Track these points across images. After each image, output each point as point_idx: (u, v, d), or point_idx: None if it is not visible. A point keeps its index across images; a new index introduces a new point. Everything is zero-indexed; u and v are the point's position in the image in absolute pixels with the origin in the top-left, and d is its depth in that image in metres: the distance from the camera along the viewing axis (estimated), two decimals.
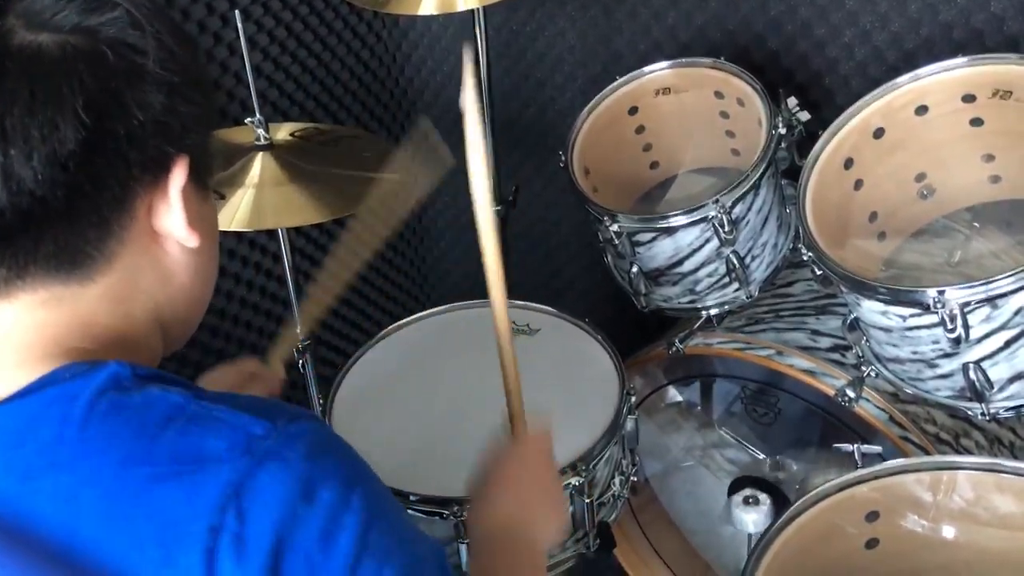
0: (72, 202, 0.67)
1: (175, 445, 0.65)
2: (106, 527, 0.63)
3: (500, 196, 1.86)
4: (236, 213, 1.41)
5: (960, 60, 1.31)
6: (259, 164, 1.47)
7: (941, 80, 1.33)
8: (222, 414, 0.67)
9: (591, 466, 1.29)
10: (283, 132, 1.58)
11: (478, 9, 1.66)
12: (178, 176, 0.72)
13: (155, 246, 0.73)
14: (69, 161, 0.65)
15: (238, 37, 1.44)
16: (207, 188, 0.78)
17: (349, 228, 1.39)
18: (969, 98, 1.32)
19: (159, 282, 0.75)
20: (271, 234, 1.94)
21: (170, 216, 0.72)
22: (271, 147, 1.50)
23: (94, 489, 0.64)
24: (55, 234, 0.68)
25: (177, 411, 0.66)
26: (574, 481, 1.28)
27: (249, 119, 1.48)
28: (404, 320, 1.62)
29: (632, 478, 1.44)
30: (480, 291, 1.77)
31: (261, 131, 1.49)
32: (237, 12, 1.41)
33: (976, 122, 1.34)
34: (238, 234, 1.94)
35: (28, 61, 0.66)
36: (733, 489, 1.57)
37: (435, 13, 1.50)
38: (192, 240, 0.74)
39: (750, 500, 1.41)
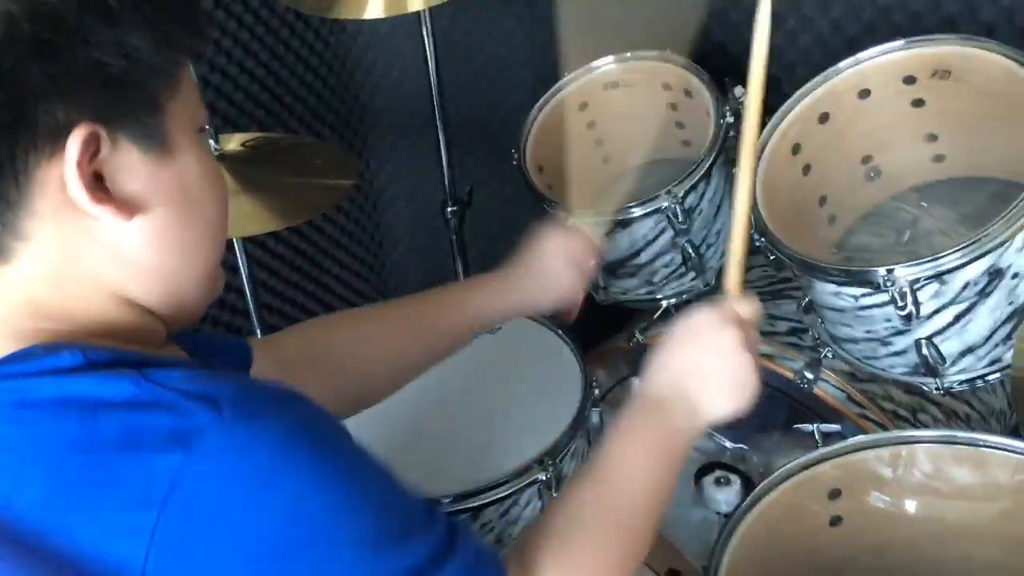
0: None
1: (110, 432, 0.61)
2: (48, 509, 0.61)
3: (455, 196, 1.87)
4: None
5: (899, 43, 1.33)
6: None
7: (881, 63, 1.35)
8: (164, 396, 0.62)
9: (558, 460, 1.30)
10: (234, 143, 1.57)
11: (425, 11, 1.66)
12: (72, 147, 0.63)
13: (87, 219, 0.66)
14: None
15: None
16: (164, 146, 0.68)
17: None
18: (910, 80, 1.35)
19: (105, 258, 0.68)
20: (227, 246, 1.92)
21: (71, 187, 0.64)
22: (223, 158, 1.49)
23: (37, 470, 0.61)
24: None
25: (127, 395, 0.62)
26: (541, 476, 1.29)
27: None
28: None
29: None
30: None
31: (211, 143, 1.48)
32: None
33: (918, 103, 1.37)
34: None
35: None
36: (700, 475, 1.58)
37: (381, 16, 1.50)
38: (113, 215, 0.66)
39: (721, 480, 1.44)
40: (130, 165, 0.67)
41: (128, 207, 0.67)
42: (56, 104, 0.62)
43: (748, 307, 0.94)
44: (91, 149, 0.64)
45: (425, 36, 1.69)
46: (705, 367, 0.89)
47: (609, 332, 1.72)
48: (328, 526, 0.63)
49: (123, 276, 0.70)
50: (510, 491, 1.27)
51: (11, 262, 0.67)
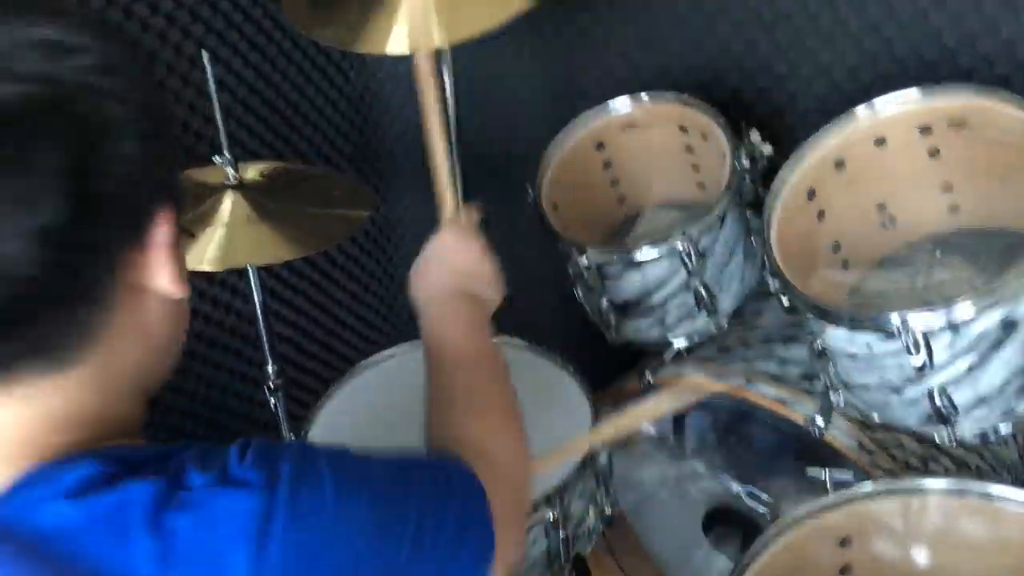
0: (60, 280, 0.60)
1: (173, 547, 0.61)
2: None
3: None
4: (206, 253, 1.42)
5: (915, 92, 1.34)
6: (229, 203, 1.48)
7: (897, 112, 1.36)
8: (206, 497, 0.62)
9: (565, 499, 1.29)
10: (252, 171, 1.58)
11: (445, 48, 1.68)
12: (164, 230, 0.66)
13: (138, 307, 0.67)
14: (53, 233, 0.58)
15: (206, 78, 1.45)
16: (181, 231, 0.72)
17: None
18: (925, 130, 1.35)
19: (141, 343, 0.68)
20: (240, 273, 1.93)
21: (159, 273, 0.66)
22: (241, 186, 1.50)
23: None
24: (42, 320, 0.61)
25: (158, 503, 0.61)
26: (548, 515, 1.28)
27: (218, 159, 1.49)
28: (376, 356, 1.62)
29: (607, 510, 1.45)
30: None
31: (230, 170, 1.49)
32: (205, 53, 1.42)
33: (933, 152, 1.38)
34: (207, 274, 1.94)
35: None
36: (708, 520, 1.57)
37: (403, 53, 1.52)
38: (180, 292, 0.68)
39: (730, 524, 1.43)
40: (176, 247, 0.69)
41: (182, 286, 0.69)
42: (149, 189, 0.65)
43: (469, 218, 1.19)
44: (171, 232, 0.67)
45: (444, 72, 1.71)
46: (471, 271, 1.11)
47: (620, 372, 1.72)
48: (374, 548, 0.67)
49: (147, 360, 0.70)
50: None
51: (71, 371, 0.65)
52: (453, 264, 1.11)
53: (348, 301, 2.38)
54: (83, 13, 0.65)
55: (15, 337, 0.61)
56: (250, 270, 1.60)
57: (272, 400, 1.66)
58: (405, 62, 2.24)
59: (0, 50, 0.59)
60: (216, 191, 1.50)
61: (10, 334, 0.61)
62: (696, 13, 1.81)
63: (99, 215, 0.61)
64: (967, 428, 1.23)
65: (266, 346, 1.69)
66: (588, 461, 1.35)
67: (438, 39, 1.50)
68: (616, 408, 1.70)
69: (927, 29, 1.60)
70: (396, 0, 1.50)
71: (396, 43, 1.50)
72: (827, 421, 1.39)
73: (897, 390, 1.24)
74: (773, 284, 1.30)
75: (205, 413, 2.01)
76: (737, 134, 1.51)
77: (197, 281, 1.93)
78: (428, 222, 2.46)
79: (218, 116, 1.47)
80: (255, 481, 0.62)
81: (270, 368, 1.70)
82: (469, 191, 1.85)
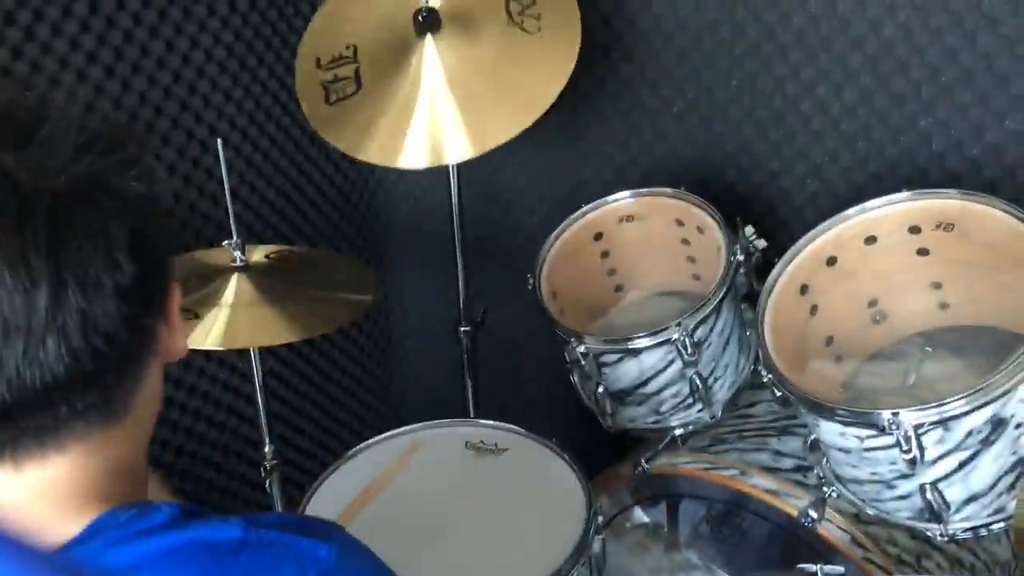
0: (130, 337, 0.69)
1: (252, 573, 0.68)
2: None
3: (469, 316, 1.90)
4: (210, 332, 1.44)
5: (905, 194, 1.39)
6: (234, 284, 1.51)
7: (888, 212, 1.40)
8: (284, 539, 0.71)
9: None
10: (258, 254, 1.62)
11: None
12: (176, 299, 0.76)
13: (157, 367, 0.75)
14: (129, 292, 0.67)
15: (217, 162, 1.49)
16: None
17: None
18: (915, 229, 1.40)
19: (153, 401, 0.76)
20: (241, 353, 1.95)
21: (174, 338, 0.75)
22: (247, 268, 1.53)
23: None
24: (115, 374, 0.69)
25: (242, 540, 0.69)
26: None
27: (227, 241, 1.52)
28: (372, 440, 1.62)
29: None
30: (448, 410, 1.79)
31: (238, 253, 1.52)
32: (219, 140, 1.47)
33: (923, 252, 1.42)
34: (207, 353, 1.96)
35: (74, 207, 0.66)
36: None
37: (411, 168, 1.56)
38: (184, 353, 0.77)
39: None
40: None
41: (185, 349, 0.79)
42: (169, 265, 0.74)
43: None
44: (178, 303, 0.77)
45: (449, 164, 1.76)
46: None
47: (614, 459, 1.73)
48: None
49: (153, 418, 0.78)
50: None
51: (119, 426, 0.72)
52: None
53: (345, 382, 2.39)
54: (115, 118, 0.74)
55: (90, 388, 0.68)
56: (252, 351, 1.62)
57: (267, 481, 1.66)
58: None
59: (64, 148, 0.68)
60: (222, 272, 1.53)
61: (87, 386, 0.68)
62: (693, 111, 1.88)
63: (152, 279, 0.71)
64: (959, 524, 1.24)
65: (264, 426, 1.70)
66: (582, 547, 1.35)
67: (469, 152, 1.55)
68: (609, 496, 1.70)
69: (916, 133, 1.66)
70: (406, 119, 1.55)
71: (406, 159, 1.55)
72: (820, 514, 1.40)
73: (890, 485, 1.25)
74: (767, 376, 1.32)
75: (200, 492, 2.01)
76: (732, 228, 1.55)
77: (197, 359, 1.94)
78: (427, 306, 2.50)
79: (228, 201, 1.50)
80: (332, 539, 0.72)
81: (267, 448, 1.71)
82: (471, 278, 1.89)
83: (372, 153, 1.58)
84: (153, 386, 0.75)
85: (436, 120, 1.54)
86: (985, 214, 1.31)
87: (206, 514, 0.71)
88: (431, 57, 1.57)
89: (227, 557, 0.68)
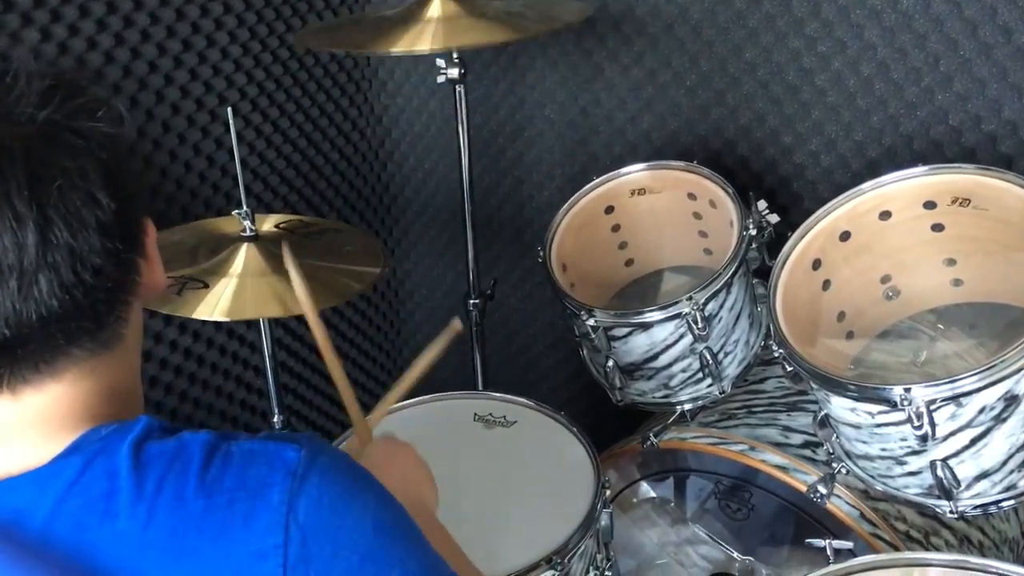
0: (115, 268, 0.73)
1: (222, 477, 0.72)
2: (172, 562, 0.68)
3: (479, 289, 1.90)
4: (219, 302, 1.43)
5: (921, 169, 1.37)
6: (243, 255, 1.50)
7: (903, 187, 1.39)
8: (253, 446, 0.75)
9: (566, 559, 1.29)
10: (268, 224, 1.61)
11: (460, 108, 1.72)
12: (151, 233, 0.79)
13: (139, 303, 0.79)
14: (109, 226, 0.71)
15: (227, 132, 1.49)
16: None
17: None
18: (930, 205, 1.38)
19: (138, 331, 0.80)
20: (250, 324, 1.95)
21: (152, 270, 0.79)
22: (256, 238, 1.53)
23: (154, 530, 0.69)
24: (105, 304, 0.74)
25: (213, 448, 0.73)
26: (549, 575, 1.28)
27: (236, 211, 1.52)
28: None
29: (607, 573, 1.44)
30: (457, 383, 1.80)
31: (247, 223, 1.52)
32: (230, 110, 1.46)
33: (937, 228, 1.40)
34: (217, 324, 1.96)
35: (47, 148, 0.70)
36: None
37: (401, 52, 1.57)
38: (165, 284, 0.82)
39: None
40: None
41: (165, 280, 0.83)
42: (141, 200, 0.77)
43: (386, 436, 1.16)
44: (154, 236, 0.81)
45: (460, 132, 1.75)
46: (407, 478, 1.05)
47: (623, 433, 1.73)
48: (400, 518, 0.78)
49: (139, 348, 0.82)
50: None
51: (111, 352, 0.76)
52: (390, 479, 1.09)
53: (353, 354, 2.39)
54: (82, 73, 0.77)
55: (83, 318, 0.72)
56: (261, 322, 1.62)
57: None
58: (419, 121, 2.31)
59: (17, 96, 0.71)
60: (232, 242, 1.52)
61: (80, 316, 0.71)
62: (707, 85, 1.86)
63: (128, 214, 0.74)
64: (969, 502, 1.23)
65: (273, 397, 1.70)
66: (589, 520, 1.35)
67: (442, 43, 1.55)
68: (618, 470, 1.71)
69: (933, 108, 1.64)
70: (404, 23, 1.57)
71: (400, 46, 1.56)
72: (829, 490, 1.39)
73: (900, 461, 1.25)
74: (777, 351, 1.32)
75: None
76: (745, 203, 1.54)
77: (206, 330, 1.95)
78: (437, 278, 2.50)
79: (238, 170, 1.50)
80: (301, 441, 0.75)
81: (276, 419, 1.71)
82: (481, 251, 1.88)
83: (367, 44, 1.61)
84: (138, 315, 0.80)
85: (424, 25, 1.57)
86: (1002, 189, 1.29)
87: (179, 428, 0.75)
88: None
89: (197, 465, 0.71)
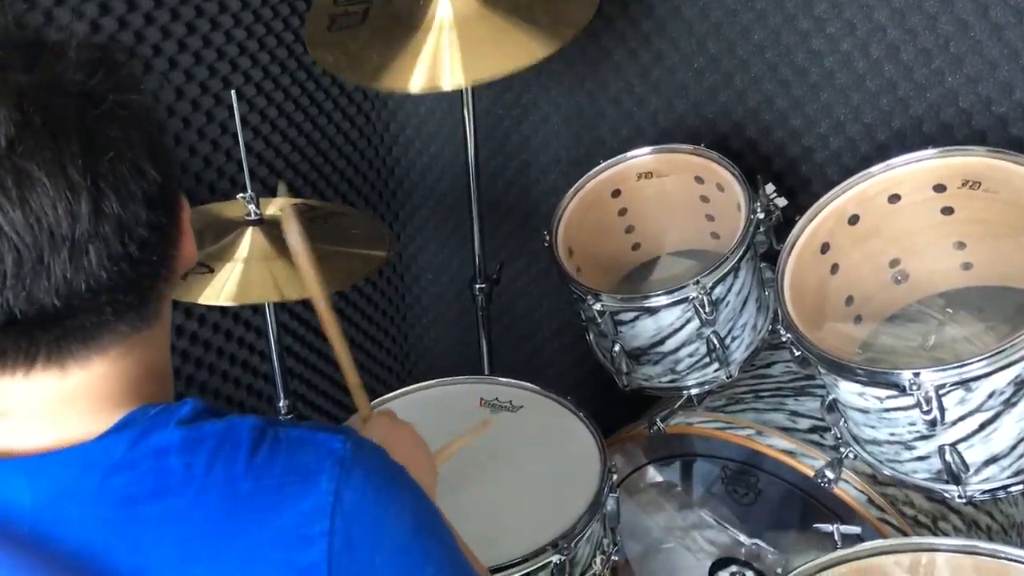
0: (159, 243, 0.73)
1: (271, 462, 0.72)
2: (220, 541, 0.70)
3: (484, 274, 1.89)
4: (225, 287, 1.43)
5: (930, 151, 1.36)
6: (248, 239, 1.49)
7: (912, 170, 1.37)
8: (301, 434, 0.75)
9: (572, 544, 1.29)
10: (273, 208, 1.60)
11: (466, 92, 1.71)
12: (186, 207, 0.79)
13: (175, 279, 0.78)
14: (155, 202, 0.71)
15: (231, 115, 1.48)
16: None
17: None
18: (940, 188, 1.37)
19: (170, 313, 0.80)
20: (256, 309, 1.95)
21: (189, 247, 0.79)
22: (261, 222, 1.52)
23: (203, 509, 0.70)
24: (149, 279, 0.73)
25: (261, 433, 0.73)
26: (555, 559, 1.28)
27: (241, 195, 1.51)
28: (387, 396, 1.62)
29: (613, 558, 1.44)
30: (463, 367, 1.79)
31: (252, 207, 1.51)
32: (234, 93, 1.45)
33: (947, 211, 1.39)
34: (222, 309, 1.95)
35: (98, 119, 0.69)
36: (715, 570, 1.56)
37: (421, 91, 1.55)
38: (194, 262, 0.81)
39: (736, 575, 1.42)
40: None
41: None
42: (178, 176, 0.77)
43: (386, 412, 1.18)
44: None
45: (466, 116, 1.74)
46: (407, 460, 1.02)
47: (630, 418, 1.72)
48: (434, 515, 0.80)
49: (170, 325, 0.81)
50: (523, 572, 1.26)
51: (150, 330, 0.76)
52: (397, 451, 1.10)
53: (360, 339, 2.39)
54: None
55: (130, 291, 0.72)
56: (267, 306, 1.61)
57: None
58: (425, 104, 2.30)
59: (74, 67, 0.71)
60: (236, 226, 1.52)
61: (127, 290, 0.71)
62: (714, 66, 1.84)
63: (171, 186, 0.74)
64: (977, 486, 1.23)
65: (278, 381, 1.70)
66: (596, 505, 1.35)
67: (462, 81, 1.53)
68: (624, 455, 1.70)
69: (943, 90, 1.62)
70: (417, 44, 1.55)
71: (417, 82, 1.54)
72: (837, 475, 1.39)
73: (908, 446, 1.24)
74: (785, 335, 1.31)
75: None
76: (752, 186, 1.52)
77: (212, 315, 1.94)
78: (443, 263, 2.50)
79: (243, 153, 1.49)
80: (346, 433, 0.76)
81: (281, 404, 1.71)
82: (487, 236, 1.88)
83: (361, 75, 1.60)
84: (170, 295, 0.79)
85: (438, 50, 1.55)
86: (1012, 172, 1.28)
87: (227, 411, 0.76)
88: (444, 7, 1.57)
89: (247, 448, 0.72)
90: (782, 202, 1.54)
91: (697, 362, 1.54)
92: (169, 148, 0.76)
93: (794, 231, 1.40)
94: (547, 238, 1.63)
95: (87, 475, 0.70)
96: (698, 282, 1.44)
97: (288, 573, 0.70)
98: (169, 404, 0.74)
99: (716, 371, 1.56)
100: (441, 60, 1.54)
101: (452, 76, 1.53)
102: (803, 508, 1.54)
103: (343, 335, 1.13)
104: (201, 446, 0.71)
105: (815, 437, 1.49)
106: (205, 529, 0.70)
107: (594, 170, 1.69)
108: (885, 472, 1.31)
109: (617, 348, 1.56)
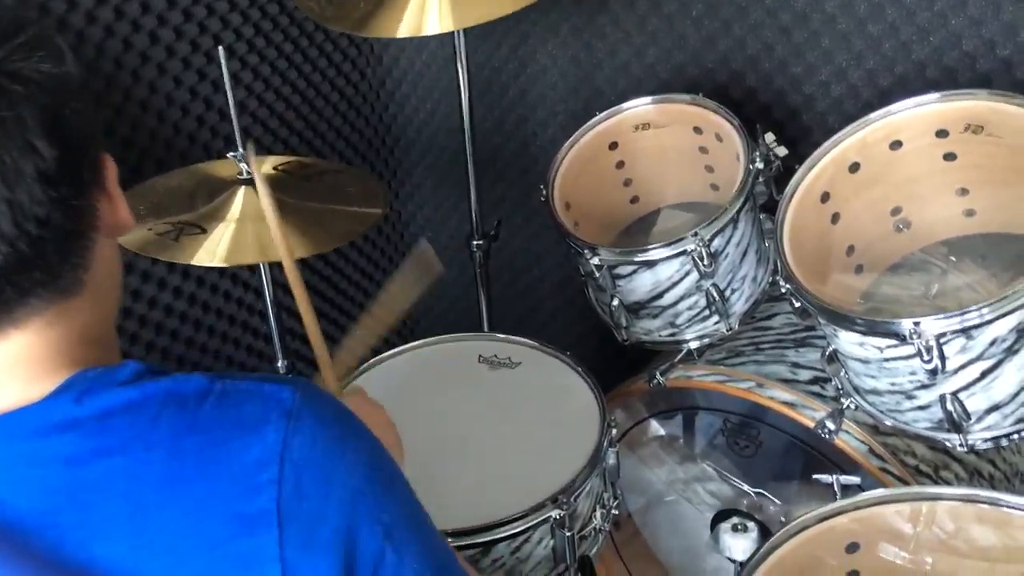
0: (61, 217, 0.70)
1: (217, 415, 0.72)
2: (168, 497, 0.70)
3: (482, 230, 1.88)
4: (218, 248, 1.42)
5: (933, 96, 1.33)
6: (241, 198, 1.48)
7: (914, 115, 1.35)
8: (248, 385, 0.75)
9: (572, 498, 1.29)
10: (267, 166, 1.59)
11: (458, 43, 1.68)
12: (111, 170, 0.77)
13: (108, 242, 0.78)
14: (50, 175, 0.69)
15: (222, 74, 1.45)
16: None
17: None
18: (942, 133, 1.34)
19: (112, 275, 0.79)
20: (252, 269, 1.94)
21: (116, 208, 0.77)
22: (254, 181, 1.50)
23: (149, 466, 0.70)
24: (57, 253, 0.72)
25: (206, 388, 0.74)
26: (555, 514, 1.28)
27: (232, 153, 1.49)
28: (387, 353, 1.62)
29: (614, 511, 1.44)
30: (462, 324, 1.78)
31: (244, 165, 1.49)
32: (221, 49, 1.43)
33: (949, 156, 1.36)
34: (219, 269, 1.94)
35: None
36: (716, 522, 1.56)
37: (408, 35, 1.52)
38: (132, 223, 0.79)
39: (738, 527, 1.41)
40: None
41: (132, 218, 0.80)
42: (96, 140, 0.75)
43: (357, 390, 1.20)
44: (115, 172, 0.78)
45: (460, 71, 1.71)
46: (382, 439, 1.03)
47: (630, 372, 1.71)
48: (391, 468, 0.80)
49: (116, 291, 0.81)
50: (523, 527, 1.27)
51: (79, 297, 0.75)
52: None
53: (358, 297, 2.38)
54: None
55: (33, 269, 0.70)
56: (262, 266, 1.60)
57: None
58: (419, 60, 2.26)
59: None
60: (229, 186, 1.50)
61: (29, 267, 0.70)
62: (713, 14, 1.81)
63: (76, 157, 0.71)
64: (979, 435, 1.22)
65: (277, 342, 1.69)
66: (596, 459, 1.35)
67: (451, 24, 1.50)
68: (624, 409, 1.70)
69: (946, 33, 1.59)
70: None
71: (404, 27, 1.51)
72: (838, 425, 1.38)
73: (909, 395, 1.23)
74: (785, 287, 1.29)
75: None
76: (752, 136, 1.50)
77: (208, 275, 1.93)
78: (440, 220, 2.48)
79: (232, 111, 1.47)
80: (295, 384, 0.76)
81: (280, 364, 1.70)
82: (482, 188, 1.86)
83: (346, 22, 1.56)
84: (107, 260, 0.78)
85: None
86: (1017, 115, 1.25)
87: (171, 370, 0.75)
88: None
89: (192, 403, 0.72)
90: (782, 151, 1.51)
91: (697, 315, 1.53)
92: (82, 113, 0.73)
93: (793, 180, 1.37)
94: (543, 192, 1.61)
95: (30, 438, 0.70)
96: (696, 234, 1.43)
97: (238, 523, 0.70)
98: (110, 366, 0.74)
99: (716, 324, 1.54)
100: (428, 4, 1.50)
101: (441, 20, 1.49)
102: (805, 459, 1.54)
103: (313, 307, 1.12)
104: (144, 404, 0.71)
105: (816, 388, 1.48)
106: (152, 486, 0.70)
107: (590, 122, 1.67)
108: (886, 422, 1.30)
109: (616, 302, 1.55)
